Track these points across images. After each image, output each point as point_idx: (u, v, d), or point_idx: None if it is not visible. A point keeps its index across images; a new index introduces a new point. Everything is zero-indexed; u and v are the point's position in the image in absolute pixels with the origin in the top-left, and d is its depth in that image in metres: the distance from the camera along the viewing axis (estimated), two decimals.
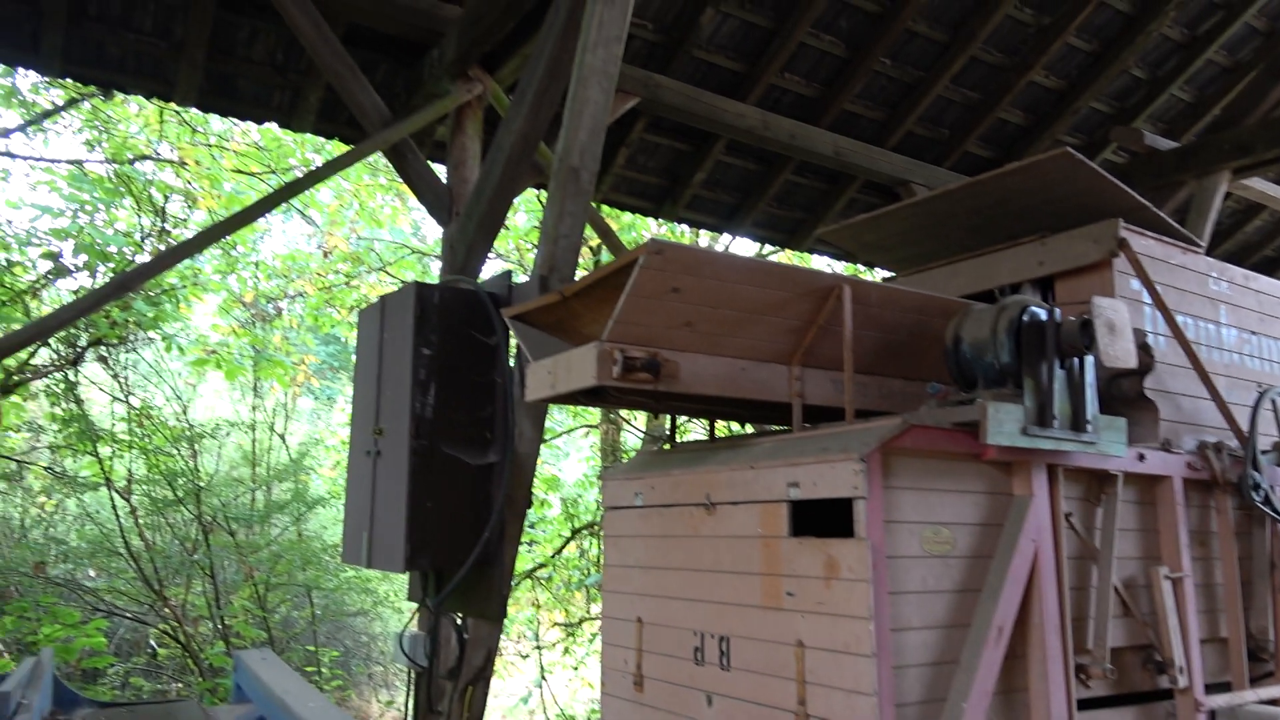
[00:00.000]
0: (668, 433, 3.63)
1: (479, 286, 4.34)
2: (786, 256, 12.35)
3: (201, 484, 11.09)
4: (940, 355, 3.16)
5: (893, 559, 2.51)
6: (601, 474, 3.93)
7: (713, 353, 2.95)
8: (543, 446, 4.29)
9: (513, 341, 4.15)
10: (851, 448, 2.53)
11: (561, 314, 3.20)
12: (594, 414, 12.95)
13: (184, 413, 11.48)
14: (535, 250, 7.06)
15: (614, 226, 11.25)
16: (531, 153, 4.57)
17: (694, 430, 10.85)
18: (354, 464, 4.40)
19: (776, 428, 3.64)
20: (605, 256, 11.78)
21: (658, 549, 3.14)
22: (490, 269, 15.10)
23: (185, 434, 11.15)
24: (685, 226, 11.00)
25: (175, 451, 10.97)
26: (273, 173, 11.72)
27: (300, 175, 5.51)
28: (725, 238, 12.93)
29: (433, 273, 13.72)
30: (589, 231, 8.55)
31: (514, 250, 13.20)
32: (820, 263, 13.11)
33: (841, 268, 11.74)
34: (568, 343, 3.24)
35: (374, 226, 13.68)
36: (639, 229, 12.65)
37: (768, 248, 12.44)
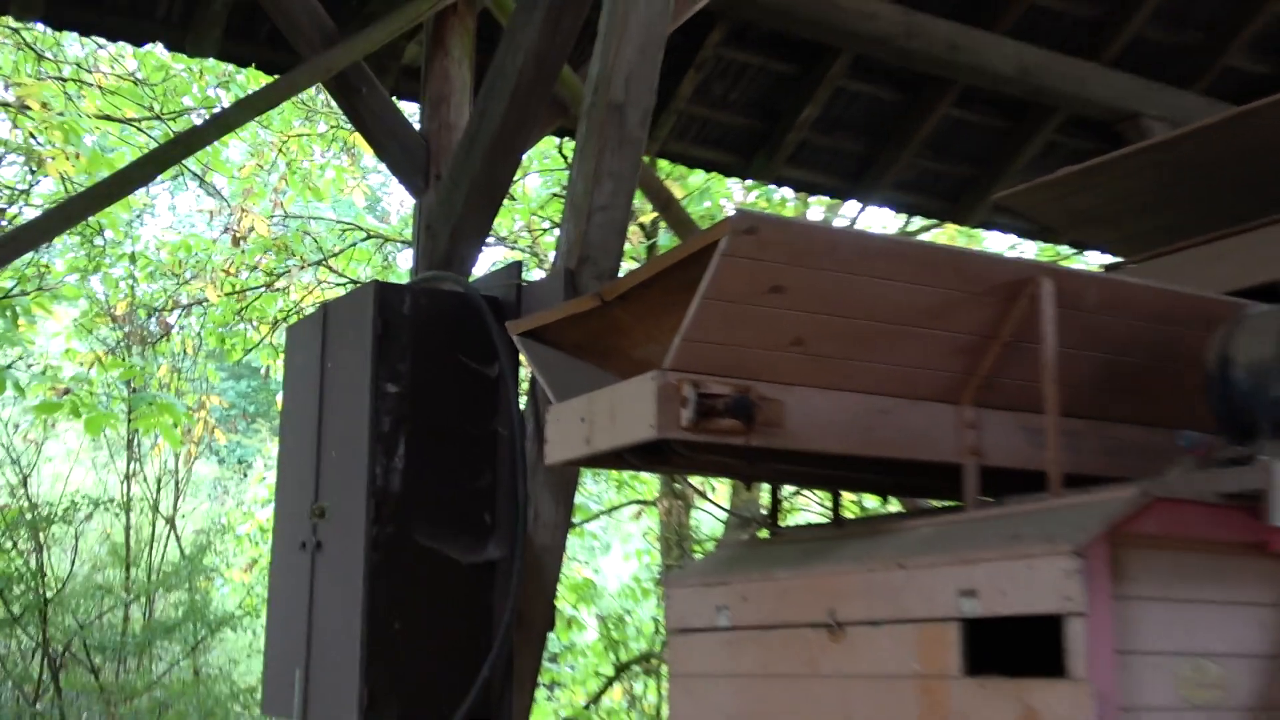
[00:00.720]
0: (766, 513, 3.86)
1: (472, 288, 4.39)
2: (948, 236, 12.33)
3: (48, 594, 11.12)
4: (1198, 387, 3.17)
5: (1130, 713, 2.52)
6: (663, 578, 4.05)
7: (836, 386, 3.05)
8: (571, 534, 4.40)
9: (524, 371, 4.28)
10: (1060, 535, 2.58)
11: (600, 328, 3.28)
12: (649, 483, 12.98)
13: (23, 485, 11.54)
14: (557, 231, 7.05)
15: (678, 193, 11.09)
16: (550, 82, 4.65)
17: (805, 509, 10.74)
18: (281, 563, 4.45)
19: (938, 504, 3.74)
20: (666, 240, 11.67)
21: (754, 695, 3.21)
22: (489, 260, 15.55)
23: (25, 517, 11.17)
24: (787, 191, 10.99)
25: (10, 544, 10.99)
26: (157, 119, 11.94)
27: (198, 123, 5.55)
28: (850, 207, 12.88)
29: (400, 268, 13.89)
30: (639, 200, 8.49)
31: (524, 231, 13.36)
32: (1000, 243, 13.32)
33: (1034, 251, 11.67)
34: (609, 373, 3.34)
35: (310, 199, 13.95)
36: (716, 197, 12.58)
37: (917, 221, 12.42)
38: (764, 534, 3.65)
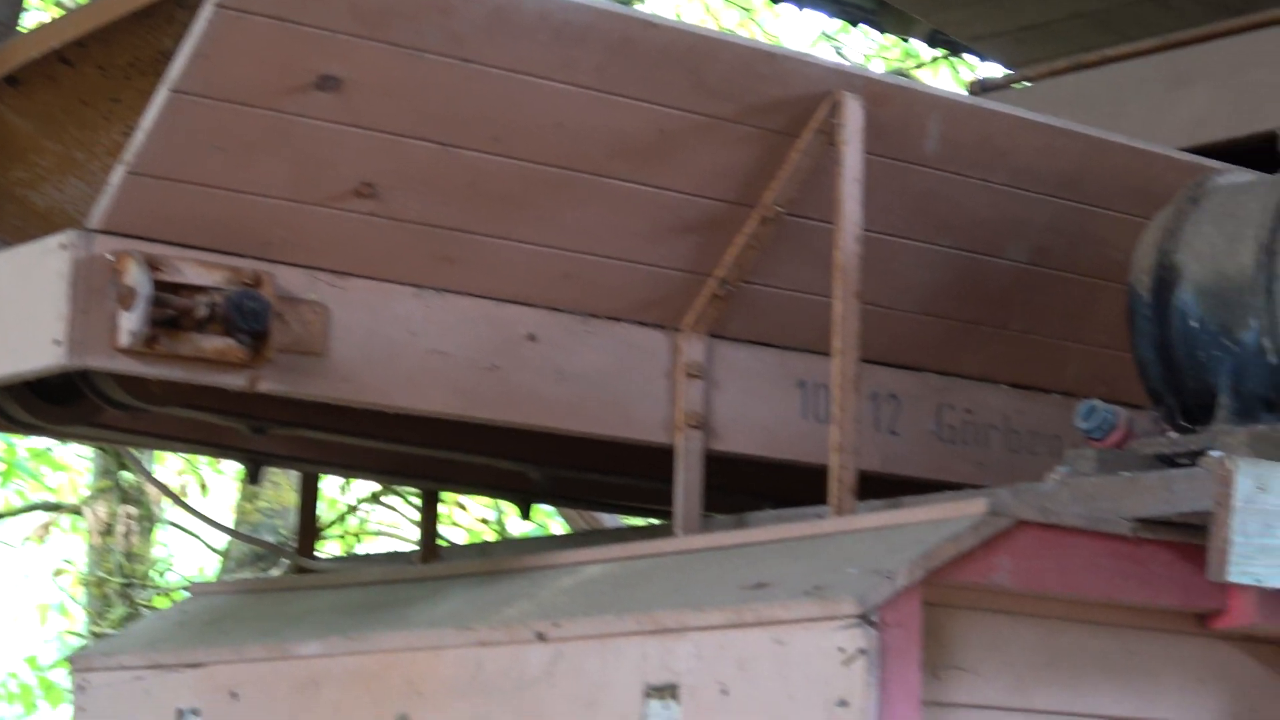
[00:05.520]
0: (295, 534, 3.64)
1: None
2: (704, 10, 12.56)
3: None
4: (1116, 319, 3.23)
5: None
6: (78, 656, 3.95)
7: (437, 283, 3.14)
8: None
9: None
10: (835, 583, 2.60)
11: None
12: (69, 469, 12.93)
13: None
14: None
15: None
16: None
17: (385, 528, 11.01)
18: None
19: (633, 522, 3.84)
20: None
21: None
22: None
23: None
24: None
25: None
26: None
27: None
28: None
29: None
30: None
31: None
32: (803, 30, 13.03)
33: (861, 51, 11.66)
34: None
35: None
36: None
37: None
38: (293, 572, 3.69)
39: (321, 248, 2.93)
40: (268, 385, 2.88)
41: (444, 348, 3.15)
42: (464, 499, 9.35)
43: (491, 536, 9.84)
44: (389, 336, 3.08)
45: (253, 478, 3.91)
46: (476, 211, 3.14)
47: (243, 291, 2.85)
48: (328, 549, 9.90)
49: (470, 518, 10.41)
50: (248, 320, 2.80)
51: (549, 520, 8.22)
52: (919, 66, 11.26)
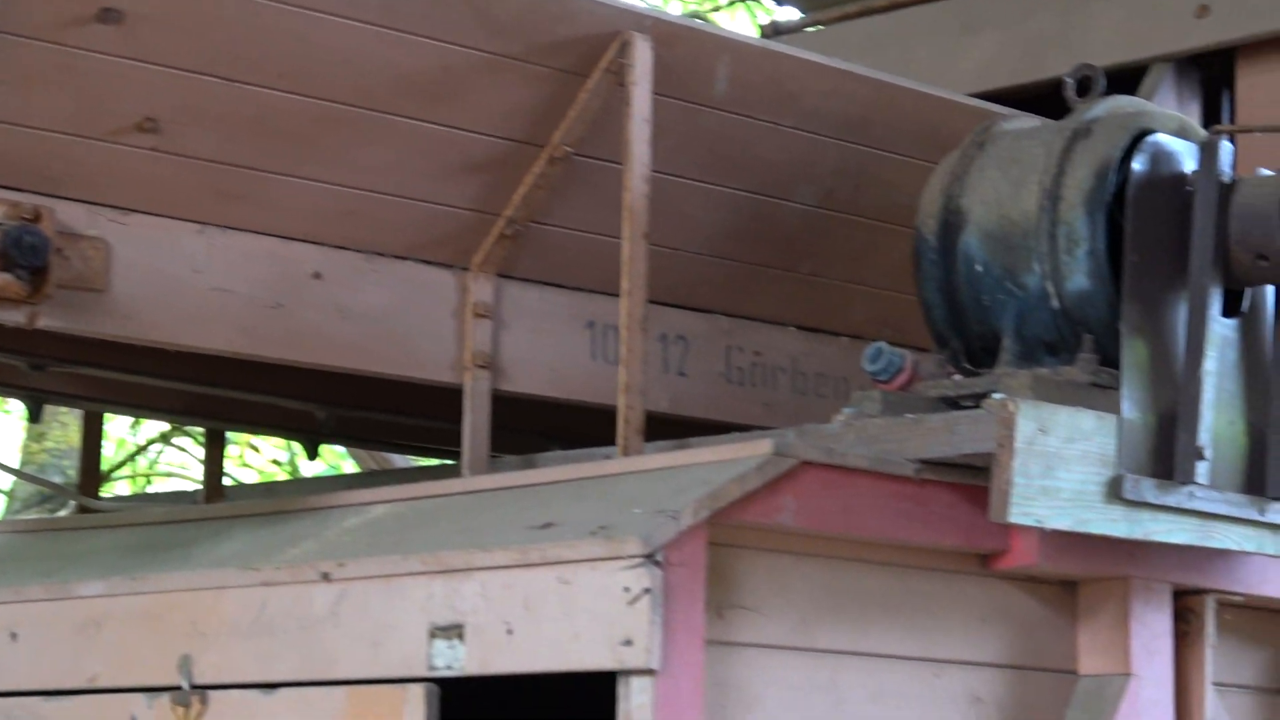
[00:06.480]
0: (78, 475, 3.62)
1: None
2: None
3: None
4: (903, 262, 3.23)
5: None
6: None
7: (222, 220, 3.10)
8: None
9: None
10: (620, 523, 2.60)
11: None
12: None
13: None
14: None
15: None
16: None
17: (174, 468, 10.96)
18: None
19: (425, 462, 3.88)
20: None
21: None
22: None
23: None
24: None
25: None
26: None
27: None
28: None
29: None
30: None
31: None
32: None
33: None
34: None
35: None
36: None
37: None
38: (77, 513, 3.63)
39: (103, 183, 2.90)
40: (47, 321, 2.85)
41: (227, 285, 3.14)
42: (256, 440, 9.26)
43: (284, 478, 9.83)
44: (171, 273, 3.08)
45: (34, 416, 3.87)
46: (261, 148, 3.11)
47: (21, 226, 2.83)
48: (117, 490, 9.79)
49: (262, 459, 10.35)
50: (26, 255, 2.79)
51: (341, 461, 8.16)
52: (716, 10, 11.24)
